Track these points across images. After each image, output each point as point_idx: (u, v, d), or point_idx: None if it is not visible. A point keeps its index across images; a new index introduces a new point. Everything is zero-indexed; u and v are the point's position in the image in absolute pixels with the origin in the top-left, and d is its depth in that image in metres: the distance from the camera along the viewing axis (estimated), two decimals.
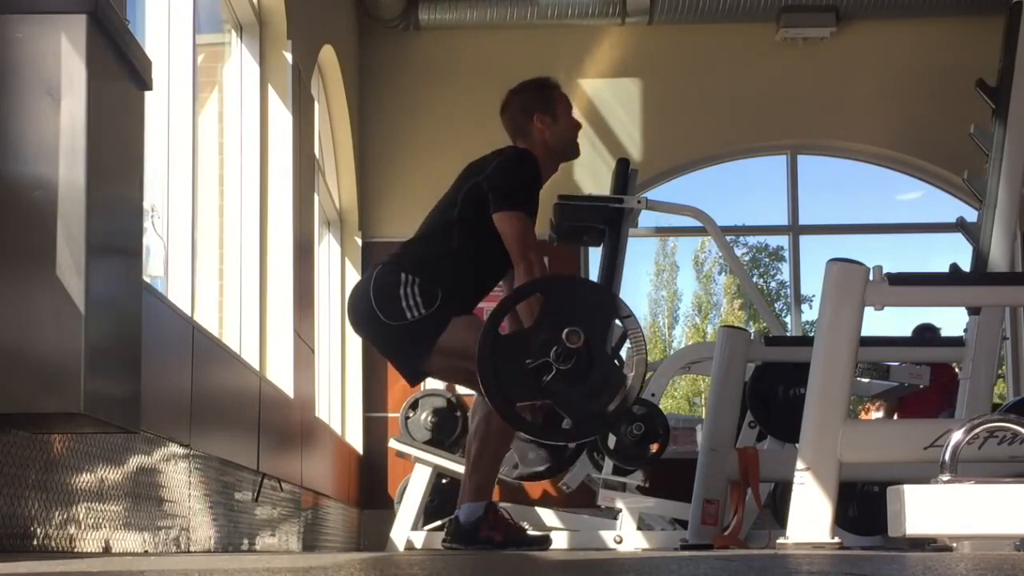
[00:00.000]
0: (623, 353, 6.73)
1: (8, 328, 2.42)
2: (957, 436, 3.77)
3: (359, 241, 8.91)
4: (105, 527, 3.33)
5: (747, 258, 27.94)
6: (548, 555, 3.59)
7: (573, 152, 4.39)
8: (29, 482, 2.79)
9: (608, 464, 6.31)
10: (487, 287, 4.28)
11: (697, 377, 21.43)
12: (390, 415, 8.70)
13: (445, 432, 7.66)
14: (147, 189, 3.70)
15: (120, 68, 2.71)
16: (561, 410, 3.80)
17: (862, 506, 6.37)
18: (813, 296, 15.17)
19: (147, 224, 4.26)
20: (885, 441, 4.51)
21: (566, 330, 3.65)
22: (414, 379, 4.25)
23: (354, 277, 8.88)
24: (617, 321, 3.90)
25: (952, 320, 11.39)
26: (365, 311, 4.11)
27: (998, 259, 5.51)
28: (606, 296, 4.03)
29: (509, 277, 4.19)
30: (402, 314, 4.00)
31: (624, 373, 3.84)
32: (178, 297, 4.64)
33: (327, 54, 7.70)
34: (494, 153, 4.25)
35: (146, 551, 3.66)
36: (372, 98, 9.09)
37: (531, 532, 4.57)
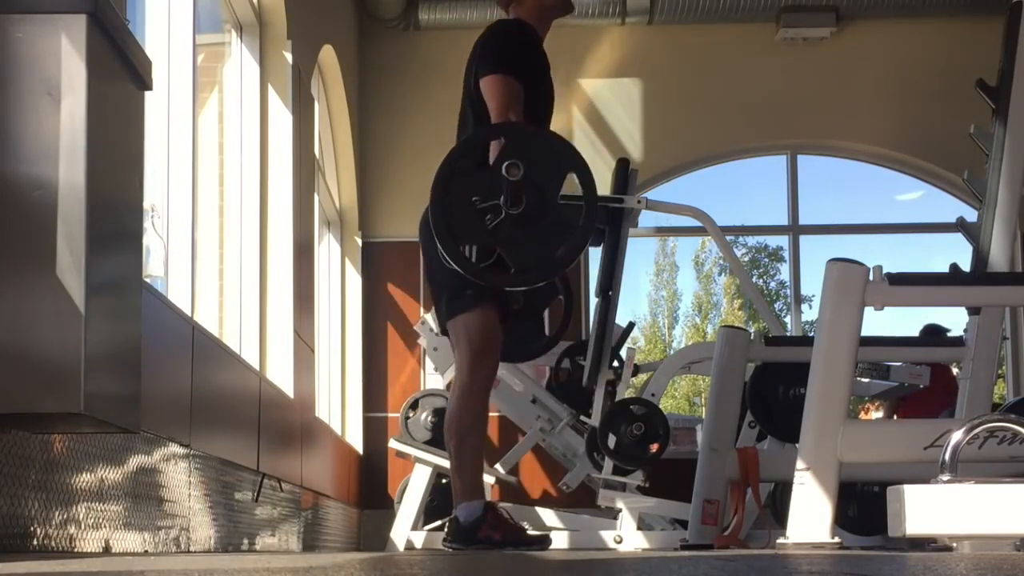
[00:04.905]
0: (623, 354, 6.79)
1: (8, 328, 2.42)
2: (957, 436, 3.77)
3: (359, 241, 8.91)
4: (105, 527, 3.33)
5: (747, 258, 27.95)
6: (548, 555, 3.58)
7: (567, 5, 4.29)
8: (29, 482, 2.79)
9: (608, 464, 6.29)
10: None
11: (697, 377, 21.44)
12: (390, 415, 8.70)
13: None
14: (147, 189, 3.70)
15: (120, 68, 2.71)
16: (506, 255, 3.72)
17: (862, 506, 6.36)
18: (813, 296, 15.17)
19: (147, 224, 4.26)
20: (885, 441, 4.50)
21: (506, 162, 3.54)
22: (441, 328, 4.17)
23: (354, 277, 8.89)
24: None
25: (954, 320, 11.39)
26: (427, 238, 3.91)
27: (998, 259, 5.51)
28: (563, 146, 3.93)
29: None
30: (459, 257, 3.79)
31: (573, 223, 3.69)
32: (178, 297, 4.64)
33: (327, 54, 7.70)
34: (486, 29, 4.20)
35: (146, 551, 3.66)
36: (372, 98, 9.09)
37: (531, 532, 4.56)
